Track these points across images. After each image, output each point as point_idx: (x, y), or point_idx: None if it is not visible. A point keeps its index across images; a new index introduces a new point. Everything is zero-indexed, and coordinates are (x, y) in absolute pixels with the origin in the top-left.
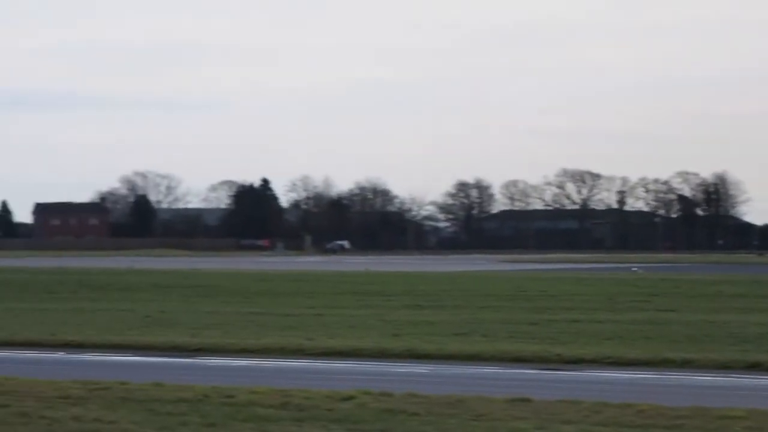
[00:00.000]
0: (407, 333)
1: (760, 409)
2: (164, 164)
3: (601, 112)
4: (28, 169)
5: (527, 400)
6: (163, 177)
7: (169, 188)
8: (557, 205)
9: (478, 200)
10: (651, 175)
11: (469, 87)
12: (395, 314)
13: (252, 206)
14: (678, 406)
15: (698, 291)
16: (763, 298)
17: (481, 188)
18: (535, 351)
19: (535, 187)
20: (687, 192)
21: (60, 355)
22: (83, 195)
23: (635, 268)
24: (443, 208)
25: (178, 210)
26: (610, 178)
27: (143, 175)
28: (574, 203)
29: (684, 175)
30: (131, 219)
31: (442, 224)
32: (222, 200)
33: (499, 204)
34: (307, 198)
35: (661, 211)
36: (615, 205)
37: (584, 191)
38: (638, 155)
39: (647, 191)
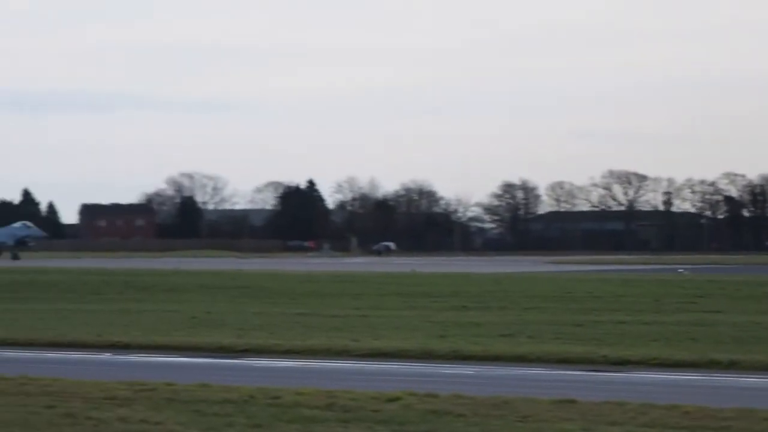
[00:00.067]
0: (453, 334)
1: None
2: (211, 165)
3: (647, 113)
4: (74, 170)
5: (573, 402)
6: (210, 178)
7: (215, 189)
8: (603, 207)
9: (523, 201)
10: (697, 176)
11: (514, 87)
12: (441, 315)
13: (298, 207)
14: (724, 408)
15: (745, 292)
16: None
17: (527, 189)
18: (580, 352)
19: (581, 189)
20: (733, 193)
21: (106, 356)
22: (130, 196)
23: (681, 270)
24: (489, 210)
25: (224, 211)
26: (657, 180)
27: (190, 176)
28: (621, 204)
29: (730, 176)
30: (177, 220)
31: (487, 225)
32: (268, 201)
33: (545, 205)
34: (353, 199)
35: (708, 213)
36: (661, 207)
37: (630, 192)
38: (684, 156)
39: (693, 192)
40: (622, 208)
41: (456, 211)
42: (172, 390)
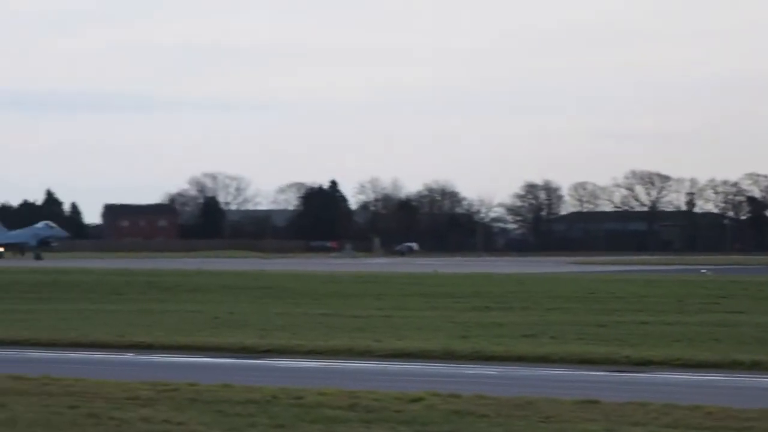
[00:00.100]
0: (475, 335)
1: None
2: (233, 165)
3: (670, 114)
4: (97, 170)
5: (596, 402)
6: (233, 178)
7: (238, 189)
8: (626, 207)
9: (546, 202)
10: (720, 176)
11: (536, 88)
12: (463, 316)
13: (321, 208)
14: (747, 408)
15: (767, 293)
16: None
17: (550, 190)
18: (603, 353)
19: (603, 189)
20: (756, 193)
21: (129, 356)
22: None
23: (704, 270)
24: (511, 210)
25: (247, 211)
26: (679, 180)
27: (212, 177)
28: (643, 205)
29: (753, 177)
30: (200, 220)
31: (510, 226)
32: (291, 202)
33: (568, 206)
34: (376, 200)
35: (731, 213)
36: (684, 207)
37: (653, 193)
38: (707, 157)
39: (716, 193)
40: (645, 208)
41: (479, 211)
42: (194, 390)
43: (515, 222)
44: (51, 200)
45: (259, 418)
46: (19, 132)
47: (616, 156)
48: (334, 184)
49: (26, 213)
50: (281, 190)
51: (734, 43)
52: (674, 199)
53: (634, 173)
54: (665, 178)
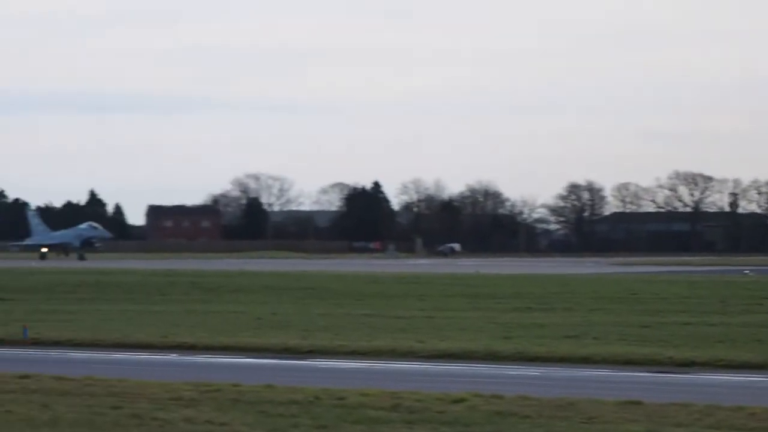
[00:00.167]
0: (518, 335)
1: None
2: (276, 166)
3: (714, 114)
4: (141, 171)
5: (638, 403)
6: (275, 179)
7: (281, 190)
8: (669, 208)
9: (589, 203)
10: (763, 177)
11: (579, 88)
12: (506, 317)
13: (363, 209)
14: None
15: None
16: None
17: (593, 191)
18: (646, 354)
19: (646, 190)
20: None
21: (172, 356)
22: (196, 197)
23: (747, 271)
24: (554, 211)
25: (289, 212)
26: (723, 181)
27: (255, 177)
28: (686, 206)
29: None
30: (243, 221)
31: (553, 227)
32: (333, 202)
33: (611, 206)
34: (419, 200)
35: None
36: (727, 208)
37: (696, 194)
38: (751, 157)
39: (760, 193)
40: (688, 209)
41: (521, 212)
42: (237, 391)
43: (558, 223)
44: (94, 201)
45: (301, 419)
46: (63, 133)
47: (660, 156)
48: (376, 184)
49: (70, 214)
50: (324, 191)
51: None
52: (717, 200)
53: (677, 174)
54: (708, 179)
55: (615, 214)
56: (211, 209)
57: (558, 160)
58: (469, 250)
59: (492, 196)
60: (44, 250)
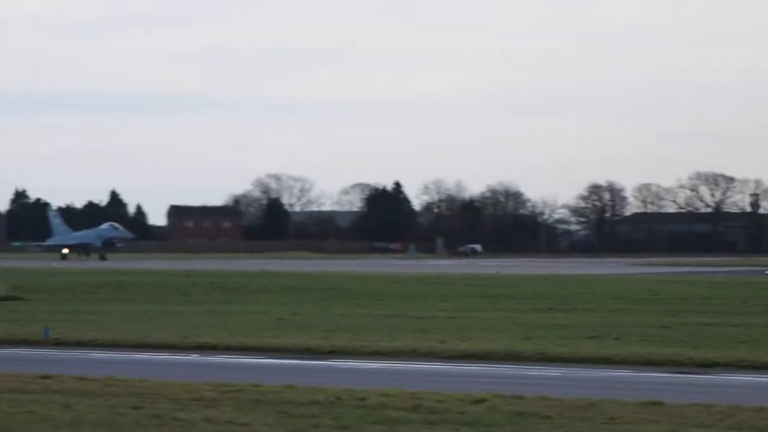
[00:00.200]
0: (538, 336)
1: None
2: (297, 167)
3: (734, 115)
4: (162, 172)
5: (659, 404)
6: (296, 179)
7: (302, 191)
8: (690, 208)
9: (610, 203)
10: None
11: (600, 89)
12: (527, 317)
13: (384, 209)
14: None
15: None
16: None
17: (614, 191)
18: (667, 354)
19: (668, 190)
20: None
21: (193, 357)
22: (217, 198)
23: None
24: (575, 211)
25: (310, 212)
26: (744, 181)
27: (276, 178)
28: (708, 206)
29: None
30: (264, 221)
31: (574, 227)
32: (354, 203)
33: (632, 207)
34: (440, 201)
35: None
36: (749, 208)
37: (717, 194)
38: None
39: None
40: (709, 209)
41: (542, 212)
42: (258, 391)
43: (579, 223)
44: (115, 201)
45: (322, 419)
46: (85, 133)
47: (681, 157)
48: (397, 185)
49: (91, 214)
50: (345, 192)
51: None
52: (739, 200)
53: (698, 174)
54: (730, 179)
55: (636, 215)
56: (232, 210)
57: (579, 160)
58: (490, 250)
59: (513, 196)
60: (65, 250)
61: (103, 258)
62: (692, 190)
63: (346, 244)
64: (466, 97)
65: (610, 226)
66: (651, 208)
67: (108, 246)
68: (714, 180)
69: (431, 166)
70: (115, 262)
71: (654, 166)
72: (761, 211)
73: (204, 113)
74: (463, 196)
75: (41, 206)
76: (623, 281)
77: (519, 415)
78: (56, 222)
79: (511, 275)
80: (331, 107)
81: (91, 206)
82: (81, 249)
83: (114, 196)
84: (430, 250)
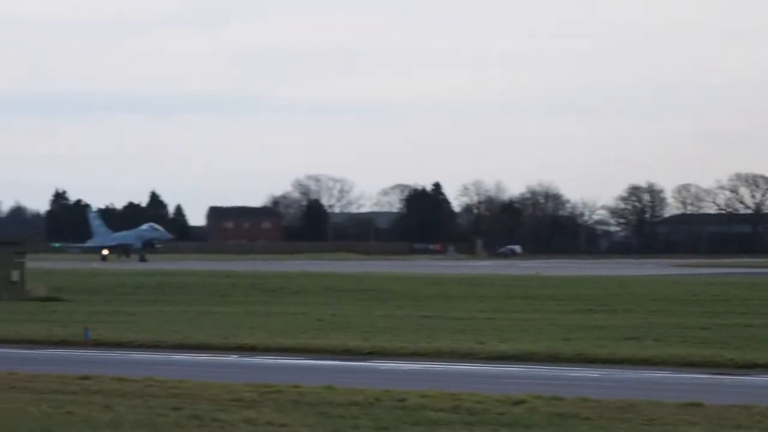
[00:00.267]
0: (578, 337)
1: None
2: (337, 168)
3: None
4: (202, 173)
5: (699, 405)
6: (336, 181)
7: (341, 192)
8: (730, 210)
9: (650, 204)
10: None
11: (640, 90)
12: (566, 318)
13: (424, 210)
14: None
15: None
16: None
17: (653, 192)
18: (707, 355)
19: (708, 191)
20: None
21: (232, 358)
22: (256, 199)
23: None
24: (615, 213)
25: (350, 214)
26: None
27: (316, 179)
28: (748, 207)
29: None
30: (304, 223)
31: (613, 228)
32: (394, 204)
33: (672, 208)
34: (479, 202)
35: None
36: None
37: (758, 195)
38: None
39: None
40: (750, 210)
41: (582, 214)
42: (298, 392)
43: (618, 224)
44: (155, 202)
45: (361, 420)
46: (125, 134)
47: (721, 158)
48: (437, 186)
49: (131, 215)
50: (384, 193)
51: None
52: None
53: (738, 175)
54: None
55: (675, 216)
56: (272, 211)
57: (619, 161)
58: (530, 251)
59: (552, 197)
60: (105, 251)
61: (143, 259)
62: (732, 191)
63: (386, 245)
64: (507, 98)
65: (650, 227)
66: (690, 209)
67: (148, 247)
68: (754, 181)
69: (471, 167)
70: (155, 263)
71: (693, 167)
72: None
73: (244, 114)
74: (502, 197)
75: (81, 207)
76: (663, 282)
77: (558, 416)
78: (96, 223)
79: (550, 276)
80: (370, 108)
81: (131, 207)
82: (121, 250)
83: (154, 197)
84: (469, 251)
